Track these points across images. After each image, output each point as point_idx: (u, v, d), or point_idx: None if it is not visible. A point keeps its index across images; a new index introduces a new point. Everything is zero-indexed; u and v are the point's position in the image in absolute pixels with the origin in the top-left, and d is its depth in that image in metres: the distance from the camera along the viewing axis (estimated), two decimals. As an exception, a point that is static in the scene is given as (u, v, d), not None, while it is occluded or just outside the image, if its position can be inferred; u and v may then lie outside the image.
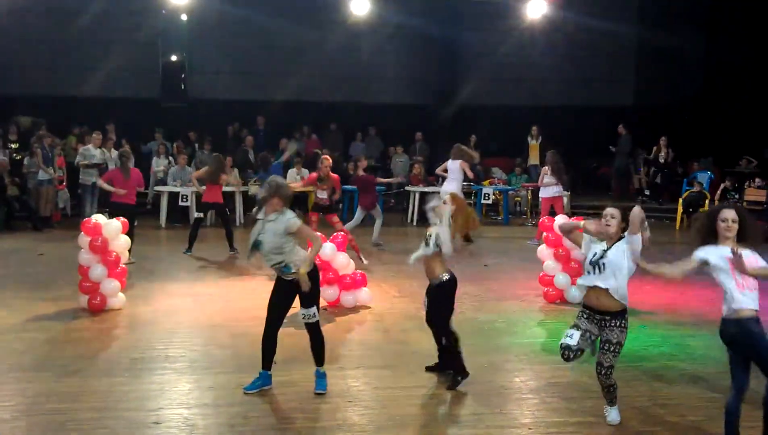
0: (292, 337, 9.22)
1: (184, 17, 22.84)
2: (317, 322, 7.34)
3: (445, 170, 16.95)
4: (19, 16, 21.35)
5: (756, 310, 5.86)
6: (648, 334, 9.69)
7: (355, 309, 10.62)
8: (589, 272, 6.54)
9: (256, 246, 7.16)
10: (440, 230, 7.55)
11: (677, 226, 19.71)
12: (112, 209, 12.90)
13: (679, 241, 18.48)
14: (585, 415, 6.91)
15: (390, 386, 7.65)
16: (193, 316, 10.27)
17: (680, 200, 19.92)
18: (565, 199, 19.79)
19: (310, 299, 7.21)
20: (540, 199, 17.05)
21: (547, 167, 16.75)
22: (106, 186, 13.70)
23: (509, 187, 20.90)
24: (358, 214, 15.56)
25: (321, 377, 7.39)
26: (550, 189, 16.57)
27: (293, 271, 7.09)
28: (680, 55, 23.08)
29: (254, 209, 7.36)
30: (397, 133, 22.53)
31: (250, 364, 8.05)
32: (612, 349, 6.40)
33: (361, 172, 16.11)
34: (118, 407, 6.88)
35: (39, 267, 13.33)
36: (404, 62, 24.50)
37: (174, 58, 23.63)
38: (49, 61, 22.10)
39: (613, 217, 6.50)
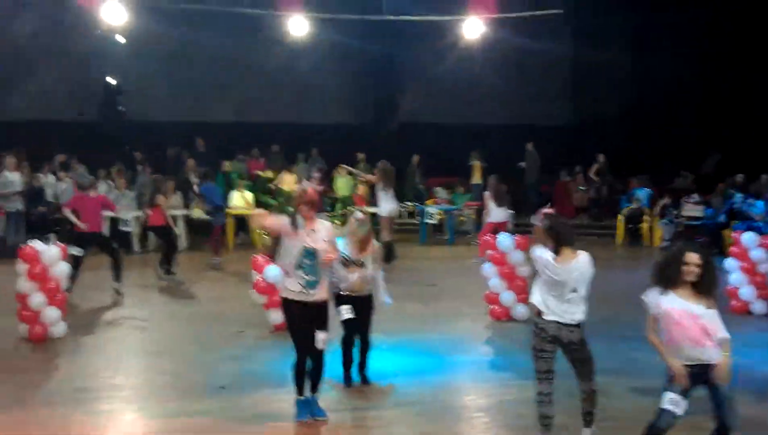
0: (238, 362, 9.14)
1: (119, 38, 22.52)
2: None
3: None
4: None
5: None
6: (594, 349, 9.76)
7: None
8: None
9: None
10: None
11: (618, 242, 20.02)
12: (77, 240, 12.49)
13: (621, 256, 18.80)
14: (535, 432, 6.93)
15: (341, 408, 7.61)
16: (137, 342, 10.10)
17: (619, 216, 20.24)
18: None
19: (326, 321, 7.20)
20: (484, 223, 17.08)
21: (489, 193, 16.84)
22: (71, 217, 13.20)
23: (453, 207, 21.00)
24: None
25: (317, 404, 7.30)
26: (495, 214, 16.63)
27: (320, 287, 7.09)
28: (613, 72, 23.57)
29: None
30: (339, 153, 22.52)
31: (197, 390, 7.95)
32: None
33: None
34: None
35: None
36: (344, 81, 24.55)
37: (110, 79, 23.29)
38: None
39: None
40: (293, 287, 7.00)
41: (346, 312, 8.08)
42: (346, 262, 8.01)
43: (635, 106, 24.42)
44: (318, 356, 7.14)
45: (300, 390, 7.18)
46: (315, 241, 6.98)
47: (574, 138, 24.08)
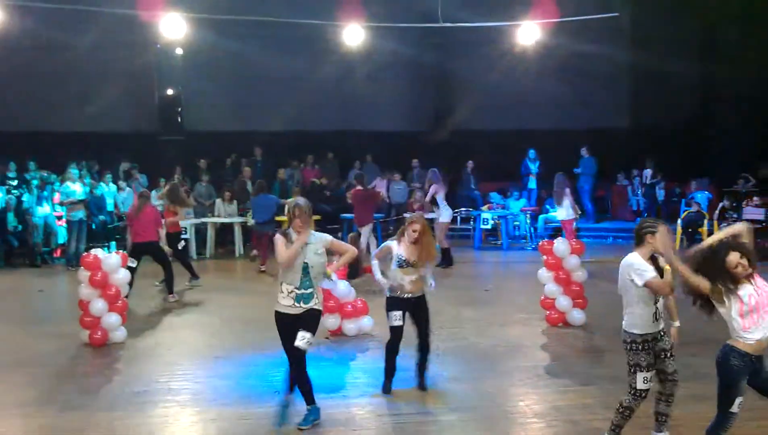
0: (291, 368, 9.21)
1: (179, 51, 22.95)
2: (305, 353, 7.13)
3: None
4: (13, 50, 21.41)
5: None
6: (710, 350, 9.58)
7: (357, 337, 10.59)
8: None
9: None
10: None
11: (676, 247, 19.72)
12: (132, 249, 12.73)
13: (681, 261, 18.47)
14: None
15: (394, 413, 7.63)
16: (194, 347, 10.25)
17: (679, 220, 19.94)
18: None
19: (314, 326, 7.15)
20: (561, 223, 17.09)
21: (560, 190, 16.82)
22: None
23: (508, 212, 20.91)
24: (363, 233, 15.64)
25: (306, 416, 7.23)
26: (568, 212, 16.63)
27: (315, 299, 7.09)
28: (673, 77, 23.17)
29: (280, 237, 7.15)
30: (393, 161, 22.58)
31: (252, 395, 8.05)
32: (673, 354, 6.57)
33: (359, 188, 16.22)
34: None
35: (39, 303, 13.30)
36: (398, 89, 24.60)
37: (170, 91, 23.71)
38: (42, 96, 22.09)
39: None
40: (286, 302, 7.06)
41: (396, 319, 8.09)
42: (402, 265, 8.05)
43: (695, 111, 24.04)
44: (298, 361, 7.07)
45: (310, 399, 7.22)
46: (306, 255, 7.00)
47: (631, 143, 23.74)
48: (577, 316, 11.09)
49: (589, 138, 22.95)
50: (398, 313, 8.10)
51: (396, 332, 8.14)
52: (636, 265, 6.33)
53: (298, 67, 22.70)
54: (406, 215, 19.61)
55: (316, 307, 7.11)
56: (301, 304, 7.03)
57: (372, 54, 22.74)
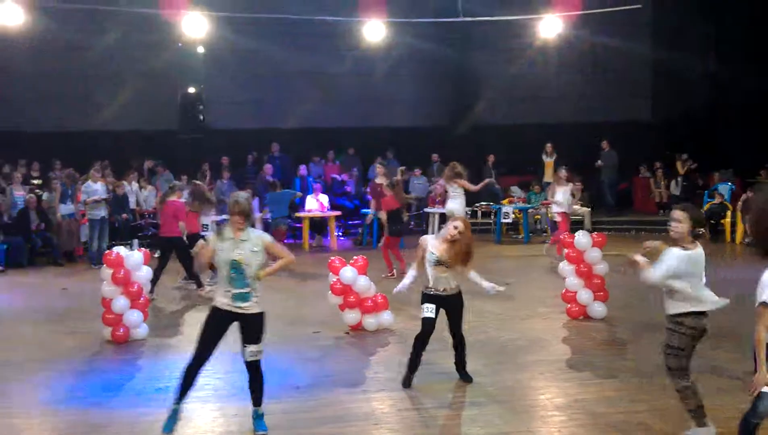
0: (314, 362, 9.25)
1: (200, 49, 23.05)
2: (260, 360, 6.94)
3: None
4: (35, 51, 21.62)
5: None
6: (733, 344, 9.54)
7: (377, 332, 10.60)
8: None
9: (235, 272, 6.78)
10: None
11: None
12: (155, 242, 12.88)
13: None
14: (613, 431, 6.84)
15: (415, 407, 7.63)
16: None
17: (701, 212, 19.77)
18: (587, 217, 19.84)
19: (259, 335, 6.87)
20: (555, 215, 17.04)
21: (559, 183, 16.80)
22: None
23: (529, 206, 20.84)
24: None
25: (260, 418, 7.03)
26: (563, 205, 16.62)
27: (254, 298, 6.82)
28: (695, 69, 23.03)
29: (211, 236, 6.96)
30: (414, 155, 22.57)
31: (274, 390, 8.06)
32: (668, 351, 6.44)
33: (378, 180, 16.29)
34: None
35: (63, 301, 13.41)
36: (418, 84, 24.60)
37: (191, 89, 23.81)
38: (64, 96, 22.31)
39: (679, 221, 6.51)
40: (223, 299, 6.82)
41: (428, 311, 8.06)
42: (436, 263, 8.01)
43: (716, 103, 23.84)
44: (253, 368, 6.90)
45: (180, 397, 6.88)
46: (243, 252, 6.73)
47: (653, 134, 23.59)
48: (598, 309, 11.04)
49: (610, 131, 22.84)
50: (431, 306, 8.07)
51: (427, 324, 8.09)
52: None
53: (319, 64, 22.77)
54: (427, 210, 19.78)
55: (254, 310, 6.83)
56: (239, 304, 6.77)
57: (392, 49, 22.76)
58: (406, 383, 8.18)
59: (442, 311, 8.19)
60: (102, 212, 16.89)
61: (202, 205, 14.30)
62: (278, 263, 7.07)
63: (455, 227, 8.01)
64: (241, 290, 6.74)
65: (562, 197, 16.66)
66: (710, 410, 7.17)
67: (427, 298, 8.12)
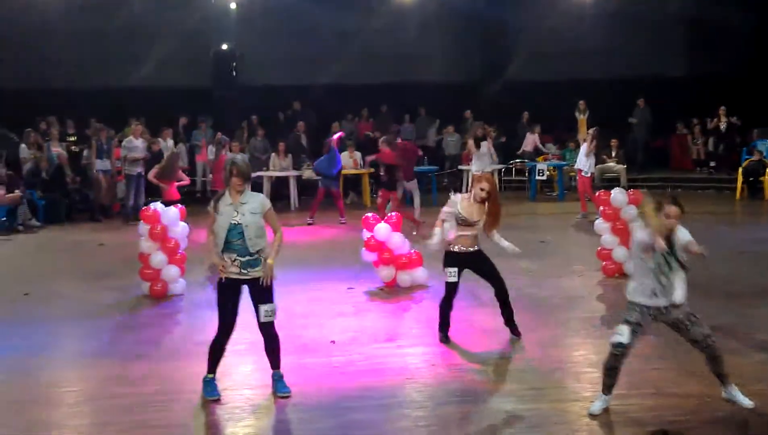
0: (348, 318, 9.33)
1: (232, 6, 23.00)
2: (273, 321, 6.90)
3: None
4: (68, 11, 21.72)
5: None
6: (708, 304, 9.53)
7: (411, 288, 10.64)
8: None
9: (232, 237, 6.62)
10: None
11: (737, 196, 19.33)
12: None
13: (740, 211, 18.17)
14: (646, 387, 6.84)
15: (448, 363, 7.67)
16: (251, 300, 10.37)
17: (740, 169, 19.52)
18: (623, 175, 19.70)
19: (270, 293, 6.80)
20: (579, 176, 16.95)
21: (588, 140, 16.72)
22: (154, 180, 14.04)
23: (564, 163, 20.69)
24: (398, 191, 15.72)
25: (281, 380, 6.97)
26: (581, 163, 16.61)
27: (261, 262, 6.69)
28: (732, 24, 22.53)
29: (211, 202, 6.80)
30: (446, 113, 22.43)
31: (309, 345, 8.17)
32: (693, 319, 6.32)
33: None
34: (183, 389, 7.01)
35: (100, 257, 13.60)
36: (450, 41, 24.37)
37: (224, 46, 23.81)
38: (99, 54, 22.40)
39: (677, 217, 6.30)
40: (233, 270, 6.65)
41: (452, 275, 8.04)
42: (459, 222, 8.00)
43: (754, 60, 23.36)
44: (267, 330, 6.85)
45: (212, 368, 6.88)
46: (244, 215, 6.60)
47: (690, 91, 23.22)
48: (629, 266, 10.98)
49: (644, 87, 22.53)
50: (454, 270, 8.05)
51: (450, 288, 8.12)
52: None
53: (351, 20, 22.62)
54: (461, 167, 19.73)
55: (262, 273, 6.72)
56: (249, 271, 6.68)
57: (424, 4, 22.58)
58: (444, 340, 8.22)
59: (468, 271, 8.18)
60: (139, 168, 17.02)
61: (167, 175, 14.20)
62: (276, 244, 6.86)
63: (482, 189, 7.95)
64: (249, 258, 6.64)
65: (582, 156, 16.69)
66: (743, 368, 7.18)
67: (451, 258, 8.08)
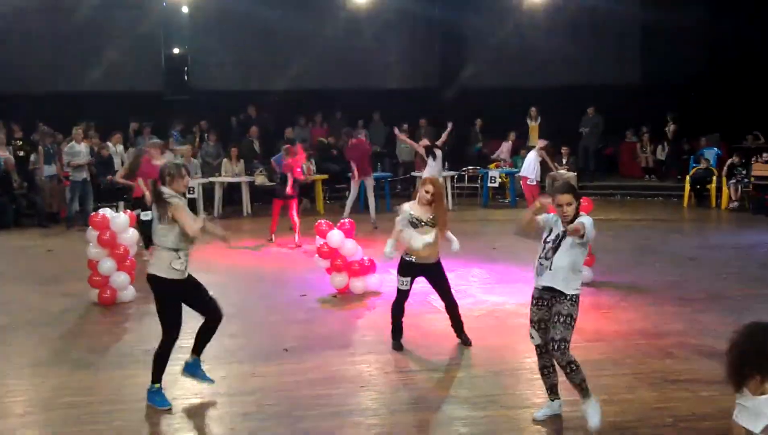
0: (301, 325, 9.28)
1: (185, 9, 22.79)
2: None
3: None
4: (19, 13, 21.33)
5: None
6: (658, 311, 9.68)
7: (365, 295, 10.62)
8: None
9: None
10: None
11: (684, 204, 19.65)
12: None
13: (688, 218, 18.48)
14: (598, 393, 6.89)
15: (402, 370, 7.68)
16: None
17: (687, 177, 19.85)
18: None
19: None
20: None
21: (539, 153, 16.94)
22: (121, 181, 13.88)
23: (515, 170, 20.83)
24: (354, 189, 16.08)
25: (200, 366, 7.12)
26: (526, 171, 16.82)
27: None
28: (685, 32, 22.93)
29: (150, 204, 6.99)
30: (401, 119, 22.47)
31: (262, 353, 8.11)
32: (563, 320, 6.05)
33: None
34: (133, 399, 6.90)
35: (48, 263, 13.37)
36: (406, 46, 24.41)
37: (176, 50, 23.57)
38: (49, 58, 22.00)
39: (569, 204, 6.08)
40: (180, 267, 6.72)
41: (404, 284, 8.12)
42: (415, 224, 8.02)
43: (704, 67, 23.80)
44: (216, 308, 6.97)
45: (158, 377, 6.80)
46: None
47: (641, 99, 23.55)
48: (585, 273, 11.04)
49: (598, 94, 22.78)
50: (407, 279, 8.12)
51: (401, 295, 8.20)
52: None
53: (306, 25, 22.52)
54: (414, 174, 19.78)
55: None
56: (185, 270, 6.83)
57: (380, 11, 22.61)
58: (397, 347, 8.23)
59: (422, 279, 8.24)
60: (84, 174, 16.75)
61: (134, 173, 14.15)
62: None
63: (427, 191, 8.06)
64: (187, 257, 6.79)
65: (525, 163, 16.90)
66: (692, 373, 7.29)
67: (406, 267, 8.12)
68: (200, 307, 6.95)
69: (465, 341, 8.36)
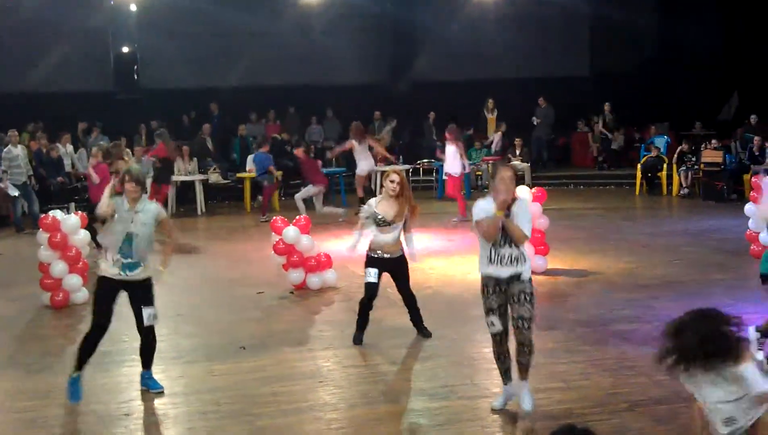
0: (258, 322, 9.23)
1: (133, 7, 22.51)
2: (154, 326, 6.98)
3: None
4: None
5: None
6: (613, 298, 9.80)
7: (322, 290, 10.59)
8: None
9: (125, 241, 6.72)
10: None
11: (636, 192, 19.90)
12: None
13: (640, 206, 18.72)
14: (554, 381, 6.98)
15: (360, 364, 7.69)
16: (157, 306, 10.16)
17: (638, 166, 20.11)
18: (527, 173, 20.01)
19: (151, 297, 6.89)
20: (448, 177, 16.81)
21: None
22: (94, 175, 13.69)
23: (470, 162, 20.89)
24: (312, 189, 16.40)
25: (152, 378, 7.06)
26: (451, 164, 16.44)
27: (141, 266, 6.79)
28: (633, 24, 23.22)
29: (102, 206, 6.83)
30: (355, 113, 22.43)
31: (219, 351, 8.05)
32: (529, 299, 6.22)
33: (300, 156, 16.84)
34: (88, 402, 6.81)
35: (-2, 267, 13.13)
36: (357, 42, 24.34)
37: (125, 49, 23.27)
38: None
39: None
40: (111, 269, 6.73)
41: (371, 276, 8.05)
42: (379, 224, 8.00)
43: (653, 58, 24.14)
44: (149, 334, 6.91)
45: (80, 365, 6.79)
46: (136, 224, 6.73)
47: (591, 90, 23.80)
48: (539, 262, 11.15)
49: (549, 86, 22.97)
50: (374, 270, 8.06)
51: (370, 288, 8.10)
52: (475, 206, 6.36)
53: (257, 21, 22.37)
54: (375, 168, 19.74)
55: (142, 274, 6.83)
56: (127, 273, 6.75)
57: (330, 6, 22.54)
58: (357, 341, 8.20)
59: (386, 274, 8.22)
60: (23, 178, 16.38)
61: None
62: (166, 251, 7.09)
63: (392, 181, 8.00)
64: (131, 260, 6.72)
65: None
66: (644, 359, 7.38)
67: (371, 261, 8.11)
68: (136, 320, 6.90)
69: (425, 334, 8.35)
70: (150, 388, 6.96)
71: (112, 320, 6.83)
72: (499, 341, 6.38)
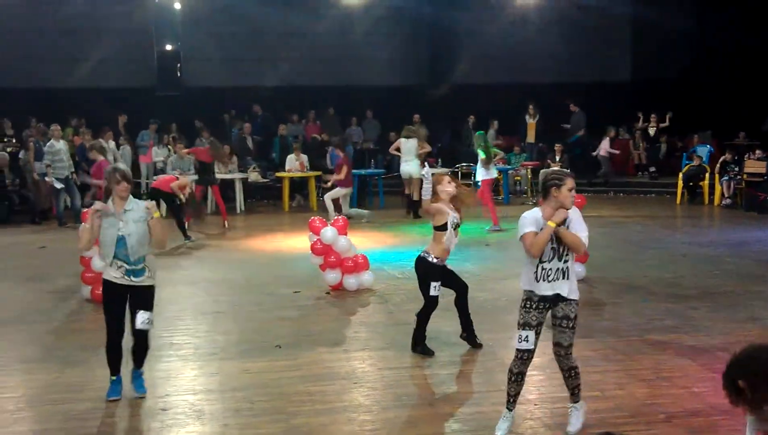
0: (294, 322, 9.27)
1: (177, 6, 22.76)
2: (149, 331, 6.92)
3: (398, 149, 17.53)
4: (7, 7, 21.24)
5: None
6: (651, 307, 9.70)
7: (358, 292, 10.61)
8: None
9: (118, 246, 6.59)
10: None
11: (678, 201, 19.69)
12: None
13: (680, 215, 18.51)
14: (590, 390, 6.91)
15: (395, 367, 7.67)
16: (196, 303, 10.28)
17: (680, 174, 19.89)
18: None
19: (150, 304, 6.80)
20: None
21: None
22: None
23: (509, 167, 20.83)
24: (342, 190, 16.90)
25: (140, 378, 7.01)
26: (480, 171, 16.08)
27: (147, 273, 6.72)
28: (675, 30, 22.97)
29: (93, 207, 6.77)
30: (394, 115, 22.45)
31: (256, 350, 8.10)
32: (572, 326, 5.92)
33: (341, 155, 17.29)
34: (125, 396, 6.88)
35: (41, 259, 13.33)
36: (397, 44, 24.42)
37: (168, 47, 23.55)
38: (38, 52, 21.92)
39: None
40: (116, 274, 6.66)
41: (436, 289, 7.81)
42: (456, 227, 7.80)
43: (696, 65, 23.84)
44: (141, 336, 6.82)
45: (113, 371, 6.86)
46: (127, 224, 6.58)
47: (632, 96, 23.61)
48: (577, 269, 11.05)
49: (589, 92, 22.80)
50: (438, 284, 7.84)
51: (433, 302, 7.88)
52: (522, 219, 5.88)
53: (298, 22, 22.55)
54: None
55: (147, 281, 6.75)
56: (132, 279, 6.67)
57: (370, 7, 22.62)
58: (430, 351, 7.95)
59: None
60: (65, 172, 16.65)
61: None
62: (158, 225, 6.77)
63: (449, 182, 7.85)
64: (135, 267, 6.65)
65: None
66: (683, 370, 7.30)
67: (437, 272, 7.83)
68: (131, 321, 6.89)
69: (476, 343, 8.19)
70: (135, 388, 6.94)
71: (125, 329, 6.81)
72: (524, 360, 5.98)
